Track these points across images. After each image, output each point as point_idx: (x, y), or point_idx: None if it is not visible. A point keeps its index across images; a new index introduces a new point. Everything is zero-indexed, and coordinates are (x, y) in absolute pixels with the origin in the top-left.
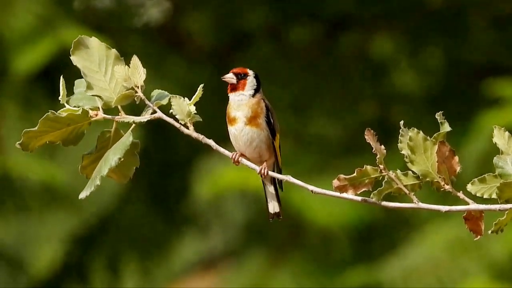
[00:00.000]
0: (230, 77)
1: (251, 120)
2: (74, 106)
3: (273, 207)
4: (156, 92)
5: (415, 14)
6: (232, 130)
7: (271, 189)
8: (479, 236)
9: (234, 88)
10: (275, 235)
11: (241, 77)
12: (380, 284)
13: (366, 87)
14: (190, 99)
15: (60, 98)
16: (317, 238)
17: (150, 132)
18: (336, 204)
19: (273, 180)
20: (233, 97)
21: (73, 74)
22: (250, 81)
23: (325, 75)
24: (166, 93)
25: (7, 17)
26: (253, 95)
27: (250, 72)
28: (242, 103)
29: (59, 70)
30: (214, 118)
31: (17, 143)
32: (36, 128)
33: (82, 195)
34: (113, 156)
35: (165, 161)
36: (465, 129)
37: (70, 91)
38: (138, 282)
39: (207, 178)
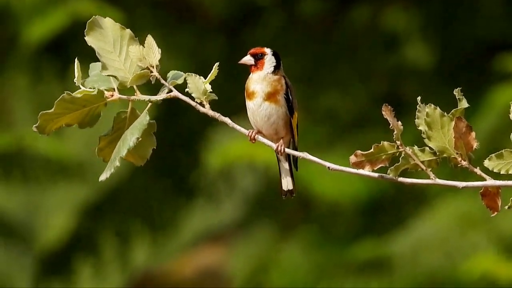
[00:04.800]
0: (247, 59)
1: (270, 96)
2: (90, 88)
3: (286, 184)
4: (172, 72)
5: None
6: (250, 104)
7: (285, 166)
8: (496, 213)
9: (253, 69)
10: (284, 208)
11: (259, 57)
12: (389, 258)
13: (377, 60)
14: (201, 72)
15: (75, 80)
16: (326, 211)
17: (160, 104)
18: (346, 178)
19: (288, 157)
20: (255, 75)
21: (85, 48)
22: (268, 59)
23: (336, 48)
24: (182, 73)
25: None
26: (273, 72)
27: (268, 51)
28: (262, 79)
29: (70, 42)
30: (225, 91)
31: (34, 126)
32: (52, 110)
33: (103, 177)
34: (131, 136)
35: (175, 132)
36: (476, 104)
37: (82, 64)
38: (148, 252)
39: (217, 150)
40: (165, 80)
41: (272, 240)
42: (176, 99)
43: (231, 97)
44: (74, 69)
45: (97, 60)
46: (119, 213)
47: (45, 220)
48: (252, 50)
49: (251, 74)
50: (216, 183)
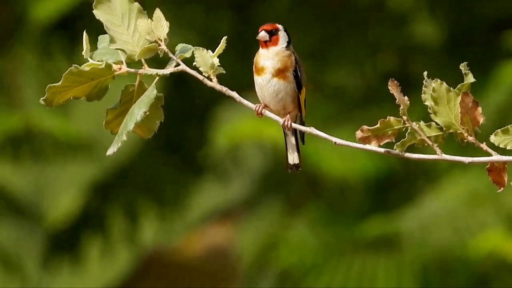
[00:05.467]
0: (263, 36)
1: (279, 72)
2: (98, 61)
3: (292, 158)
4: (180, 46)
5: None
6: (258, 80)
7: (292, 140)
8: (502, 188)
9: (266, 45)
10: (292, 185)
11: (273, 33)
12: (398, 235)
13: (386, 37)
14: (210, 49)
15: (83, 52)
16: (334, 189)
17: (168, 82)
18: (353, 155)
19: (295, 132)
20: (264, 51)
21: (93, 26)
22: (282, 35)
23: (344, 25)
24: (190, 46)
25: None
26: (286, 48)
27: (280, 27)
28: (273, 55)
29: (78, 21)
30: (233, 67)
31: (41, 98)
32: (59, 83)
33: (110, 151)
34: (138, 110)
35: (183, 110)
36: (484, 81)
37: (91, 44)
38: (156, 230)
39: (224, 128)
40: (173, 54)
41: (280, 218)
42: (184, 73)
43: (239, 74)
44: (83, 43)
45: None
46: (127, 191)
47: (54, 199)
48: (265, 26)
49: (260, 49)
50: (224, 161)
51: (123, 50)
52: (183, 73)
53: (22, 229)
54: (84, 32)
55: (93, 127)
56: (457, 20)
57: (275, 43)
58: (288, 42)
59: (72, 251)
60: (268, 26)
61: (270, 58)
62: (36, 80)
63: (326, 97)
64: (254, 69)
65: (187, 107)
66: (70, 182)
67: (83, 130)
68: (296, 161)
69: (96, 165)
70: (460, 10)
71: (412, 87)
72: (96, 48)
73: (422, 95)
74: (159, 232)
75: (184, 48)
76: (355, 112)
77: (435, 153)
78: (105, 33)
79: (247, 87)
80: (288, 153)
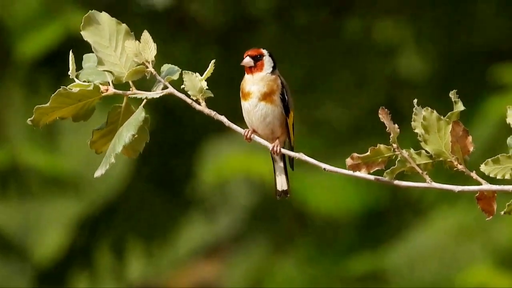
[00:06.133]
0: (248, 61)
1: (266, 96)
2: (84, 81)
3: (281, 184)
4: (166, 67)
5: None
6: (245, 105)
7: (281, 166)
8: (491, 216)
9: (251, 70)
10: (280, 221)
11: (258, 58)
12: (385, 270)
13: (372, 70)
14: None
15: (69, 72)
16: (321, 225)
17: (156, 114)
18: (341, 190)
19: (283, 158)
20: (249, 76)
21: (80, 59)
22: (267, 60)
23: (331, 58)
24: (176, 68)
25: (11, 1)
26: (271, 73)
27: (265, 52)
28: (259, 80)
29: (65, 55)
30: (221, 100)
31: (29, 119)
32: (47, 104)
33: (98, 173)
34: (126, 133)
35: (171, 144)
36: (472, 114)
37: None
38: (143, 266)
39: (212, 162)
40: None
41: (268, 254)
42: (169, 105)
43: (227, 104)
44: (69, 63)
45: None
46: (114, 227)
47: (41, 235)
48: (250, 52)
49: (246, 75)
50: (212, 196)
51: (110, 72)
52: (169, 106)
53: (10, 266)
54: (71, 52)
55: (80, 162)
56: (445, 53)
57: (260, 68)
58: (274, 67)
59: None
60: (252, 52)
61: (255, 83)
62: (22, 115)
63: (313, 130)
64: (241, 94)
65: (174, 140)
66: (57, 218)
67: (70, 166)
68: (285, 187)
69: (83, 201)
70: (448, 43)
71: (399, 120)
72: (81, 68)
73: (412, 122)
74: (147, 268)
75: (170, 70)
76: (342, 145)
77: (424, 181)
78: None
79: (234, 118)
80: (277, 179)
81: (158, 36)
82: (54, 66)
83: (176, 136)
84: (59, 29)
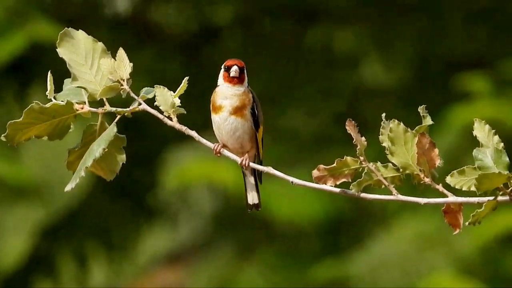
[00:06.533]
0: (236, 71)
1: (237, 110)
2: (62, 101)
3: (252, 198)
4: (144, 89)
5: (385, 7)
6: (216, 118)
7: (251, 180)
8: (458, 230)
9: (235, 81)
10: (244, 229)
11: (242, 70)
12: (348, 278)
13: (336, 79)
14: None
15: (47, 93)
16: (285, 232)
17: (119, 124)
18: (303, 198)
19: (254, 172)
20: (226, 88)
21: (45, 69)
22: (245, 73)
23: (296, 67)
24: (153, 89)
25: None
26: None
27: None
28: (231, 93)
29: (29, 64)
30: (185, 108)
31: (2, 135)
32: (20, 119)
33: (68, 187)
34: (97, 148)
35: (133, 153)
36: (435, 122)
37: (45, 86)
38: (106, 274)
39: (174, 170)
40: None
41: (232, 261)
42: (136, 115)
43: (193, 114)
44: (47, 83)
45: (62, 78)
46: (76, 235)
47: (4, 243)
48: (237, 62)
49: (217, 87)
50: (174, 203)
51: (85, 89)
52: (143, 112)
53: None
54: (49, 73)
55: (42, 170)
56: (409, 62)
57: (242, 81)
58: (248, 81)
59: None
60: (238, 62)
61: (228, 97)
62: None
63: (279, 139)
64: (211, 107)
65: (137, 149)
66: (19, 225)
67: (32, 174)
68: (256, 200)
69: (45, 209)
70: (412, 52)
71: (364, 129)
72: (42, 76)
73: (380, 136)
74: (109, 276)
75: (148, 91)
76: (308, 154)
77: (390, 193)
78: (63, 74)
79: (200, 130)
80: (248, 193)
81: (122, 46)
82: (18, 74)
83: (139, 145)
84: (23, 37)
